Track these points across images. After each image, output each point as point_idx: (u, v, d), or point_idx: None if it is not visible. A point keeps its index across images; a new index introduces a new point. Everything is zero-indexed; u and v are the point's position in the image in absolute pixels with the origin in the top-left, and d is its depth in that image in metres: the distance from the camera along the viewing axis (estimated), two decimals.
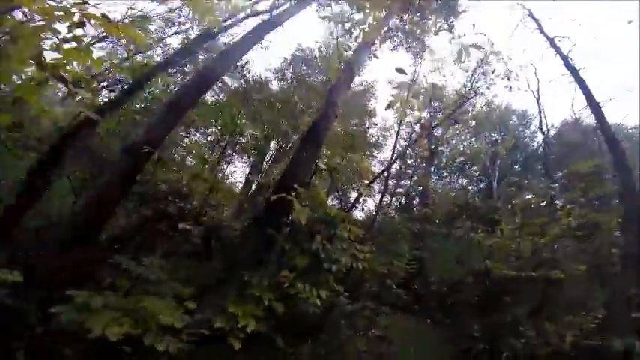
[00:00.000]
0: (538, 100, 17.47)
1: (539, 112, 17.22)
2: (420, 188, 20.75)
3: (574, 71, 13.17)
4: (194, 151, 7.70)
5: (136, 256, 5.18)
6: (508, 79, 11.14)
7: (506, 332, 9.15)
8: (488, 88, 12.66)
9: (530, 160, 22.98)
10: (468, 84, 12.71)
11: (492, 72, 12.05)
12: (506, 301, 10.85)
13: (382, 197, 11.83)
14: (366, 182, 9.44)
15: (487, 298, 13.65)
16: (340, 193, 6.09)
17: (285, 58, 11.07)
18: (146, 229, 5.61)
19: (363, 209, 16.38)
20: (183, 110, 7.16)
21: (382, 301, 10.73)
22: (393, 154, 11.69)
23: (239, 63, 12.83)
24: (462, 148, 23.36)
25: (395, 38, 18.59)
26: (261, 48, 12.13)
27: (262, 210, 5.88)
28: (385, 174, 10.12)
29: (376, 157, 17.66)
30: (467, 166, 22.96)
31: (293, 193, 4.97)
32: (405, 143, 18.89)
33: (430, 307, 12.98)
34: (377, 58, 9.39)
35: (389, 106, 5.09)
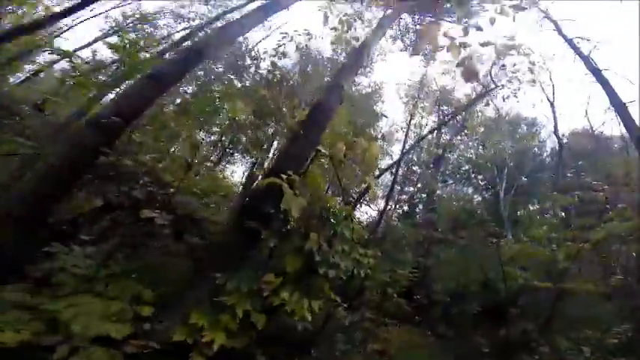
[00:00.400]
0: (552, 104, 16.34)
1: (554, 116, 16.06)
2: (425, 195, 19.60)
3: (596, 72, 12.07)
4: (185, 136, 6.59)
5: (87, 246, 4.08)
6: (532, 72, 10.02)
7: (517, 348, 7.95)
8: (510, 81, 11.55)
9: (538, 170, 21.82)
10: (488, 77, 11.62)
11: (513, 65, 10.93)
12: (514, 313, 9.70)
13: (388, 199, 10.71)
14: (375, 173, 8.34)
15: (493, 310, 12.45)
16: (343, 188, 4.96)
17: (286, 33, 10.01)
18: (104, 214, 4.50)
19: (366, 213, 15.29)
20: (165, 84, 6.11)
21: (383, 311, 9.54)
22: (403, 148, 10.57)
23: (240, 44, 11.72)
24: (468, 156, 22.21)
25: (405, 38, 17.63)
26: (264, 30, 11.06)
27: (248, 200, 4.76)
28: (394, 169, 9.02)
29: (386, 151, 16.46)
30: (473, 175, 21.79)
31: (284, 177, 3.85)
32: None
33: (432, 318, 11.73)
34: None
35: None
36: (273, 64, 9.72)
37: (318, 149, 4.95)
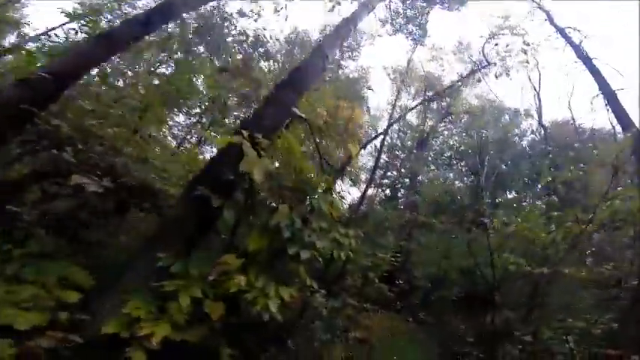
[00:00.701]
0: (538, 93, 16.00)
1: (539, 105, 15.73)
2: (408, 180, 19.15)
3: (587, 60, 11.68)
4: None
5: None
6: (525, 52, 9.47)
7: (501, 337, 7.54)
8: (502, 59, 11.00)
9: (519, 158, 21.70)
10: (480, 54, 11.03)
11: (506, 45, 10.35)
12: (498, 300, 9.34)
13: (373, 175, 10.03)
14: (359, 142, 7.63)
15: (477, 296, 12.14)
16: (322, 156, 4.20)
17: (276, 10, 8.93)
18: (33, 183, 3.60)
19: (349, 193, 14.63)
20: (117, 44, 5.20)
21: (365, 297, 8.98)
22: (389, 122, 9.86)
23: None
24: (451, 143, 21.84)
25: (395, 23, 16.83)
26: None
27: (205, 166, 3.94)
28: (380, 142, 8.30)
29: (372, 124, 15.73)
30: (455, 161, 21.43)
31: (247, 135, 3.07)
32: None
33: (414, 304, 11.31)
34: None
35: None
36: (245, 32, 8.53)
37: (294, 112, 4.16)
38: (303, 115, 4.10)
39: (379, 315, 9.41)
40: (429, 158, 21.43)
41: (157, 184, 4.14)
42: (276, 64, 15.42)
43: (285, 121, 4.18)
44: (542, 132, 16.18)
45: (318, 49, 6.19)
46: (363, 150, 11.71)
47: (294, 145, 3.35)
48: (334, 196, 3.99)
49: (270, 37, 13.63)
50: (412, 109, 14.01)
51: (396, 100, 13.64)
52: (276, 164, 3.58)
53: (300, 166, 3.34)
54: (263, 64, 13.62)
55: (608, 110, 9.70)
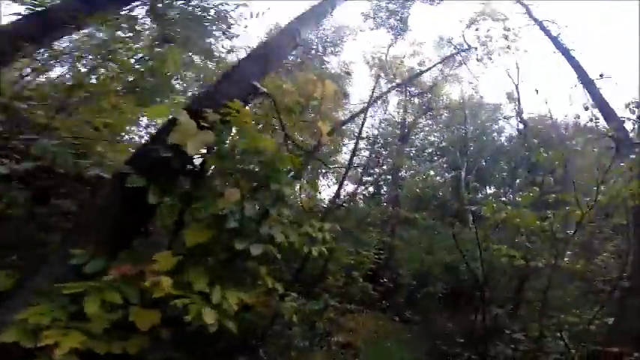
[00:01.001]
0: (517, 87, 15.87)
1: (518, 99, 15.59)
2: (390, 177, 18.69)
3: (565, 51, 11.51)
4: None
5: None
6: (506, 38, 9.12)
7: (492, 335, 7.03)
8: (484, 44, 10.64)
9: (498, 154, 21.69)
10: (460, 38, 10.64)
11: (487, 30, 9.98)
12: (484, 296, 8.90)
13: (350, 163, 9.41)
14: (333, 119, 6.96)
15: (460, 293, 11.71)
16: (286, 134, 3.50)
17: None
18: None
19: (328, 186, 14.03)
20: (52, 23, 4.44)
21: (348, 297, 8.36)
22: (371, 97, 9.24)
23: None
24: (432, 139, 21.64)
25: (377, 17, 16.45)
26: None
27: (142, 145, 3.21)
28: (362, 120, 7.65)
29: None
30: (436, 157, 21.21)
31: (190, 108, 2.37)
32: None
33: (398, 302, 10.76)
34: None
35: None
36: None
37: (254, 86, 3.48)
38: (266, 90, 3.43)
39: (364, 316, 8.81)
40: (411, 154, 21.12)
41: (92, 171, 3.36)
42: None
43: (245, 96, 3.50)
44: (521, 126, 15.99)
45: (290, 25, 5.55)
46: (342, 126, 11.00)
47: (251, 124, 2.69)
48: (305, 182, 3.34)
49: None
50: (392, 89, 13.46)
51: (375, 85, 13.10)
52: (235, 146, 2.88)
53: (257, 145, 2.67)
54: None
55: (588, 101, 9.45)
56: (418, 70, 18.37)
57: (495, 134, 22.83)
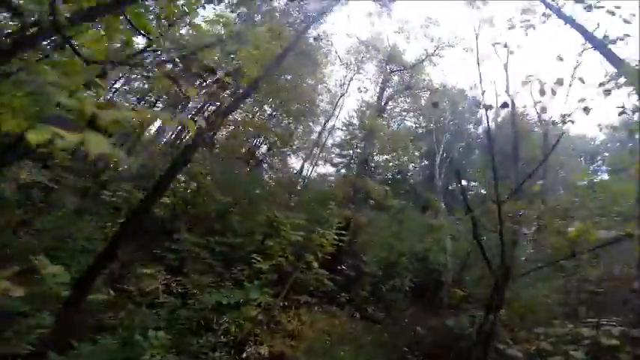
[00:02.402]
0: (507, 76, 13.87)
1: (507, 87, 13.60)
2: (362, 158, 16.44)
3: (568, 18, 9.54)
4: None
5: None
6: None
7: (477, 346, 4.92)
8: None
9: (471, 147, 20.16)
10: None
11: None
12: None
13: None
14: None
15: (429, 287, 9.65)
16: None
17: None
18: None
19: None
20: None
21: (294, 288, 5.94)
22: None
23: None
24: (409, 124, 19.65)
25: None
26: None
27: None
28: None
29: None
30: (411, 143, 19.21)
31: None
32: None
33: (360, 296, 8.36)
34: None
35: None
36: None
37: None
38: None
39: (315, 312, 6.44)
40: (386, 139, 19.05)
41: None
42: None
43: None
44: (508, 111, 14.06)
45: None
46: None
47: None
48: None
49: None
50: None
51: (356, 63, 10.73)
52: None
53: None
54: None
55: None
56: (402, 49, 16.23)
57: (471, 126, 21.25)
